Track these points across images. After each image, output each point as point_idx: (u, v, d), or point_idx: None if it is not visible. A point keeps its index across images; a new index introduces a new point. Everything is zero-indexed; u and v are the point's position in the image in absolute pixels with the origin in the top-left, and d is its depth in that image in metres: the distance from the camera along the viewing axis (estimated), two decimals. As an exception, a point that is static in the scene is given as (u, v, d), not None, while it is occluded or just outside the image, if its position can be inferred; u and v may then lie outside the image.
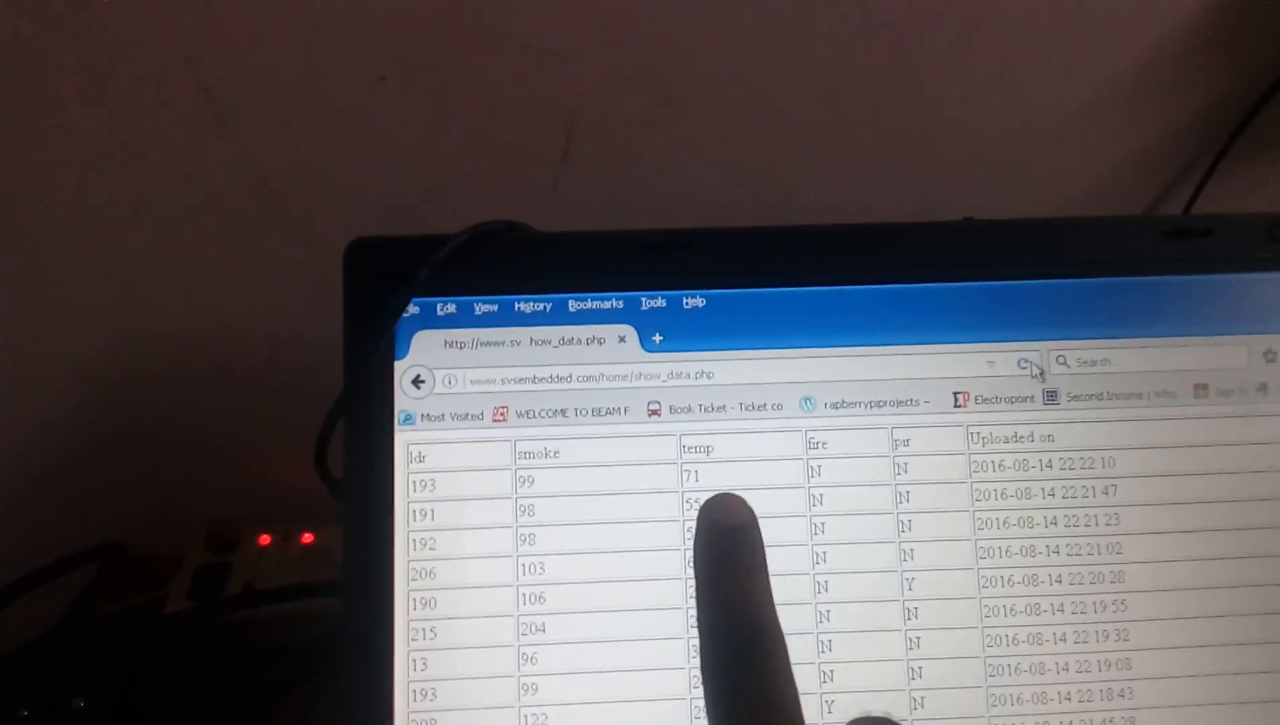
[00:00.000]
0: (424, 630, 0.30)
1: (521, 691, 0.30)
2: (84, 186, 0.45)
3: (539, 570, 0.31)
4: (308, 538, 0.49)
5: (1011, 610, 0.31)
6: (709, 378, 0.32)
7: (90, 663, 0.44)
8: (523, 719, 0.30)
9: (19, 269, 0.47)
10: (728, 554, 0.21)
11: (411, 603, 0.31)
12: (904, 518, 0.31)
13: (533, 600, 0.31)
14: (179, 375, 0.50)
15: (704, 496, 0.31)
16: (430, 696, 0.30)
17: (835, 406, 0.32)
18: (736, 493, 0.22)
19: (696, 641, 0.31)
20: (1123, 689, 0.31)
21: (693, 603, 0.31)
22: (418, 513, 0.31)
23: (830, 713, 0.31)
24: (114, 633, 0.46)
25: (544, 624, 0.31)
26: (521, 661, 0.31)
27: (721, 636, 0.20)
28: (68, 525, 0.52)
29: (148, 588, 0.49)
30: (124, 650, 0.44)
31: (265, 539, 0.49)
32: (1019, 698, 0.31)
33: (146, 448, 0.51)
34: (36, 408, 0.50)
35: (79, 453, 0.51)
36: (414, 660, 0.30)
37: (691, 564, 0.22)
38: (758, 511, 0.31)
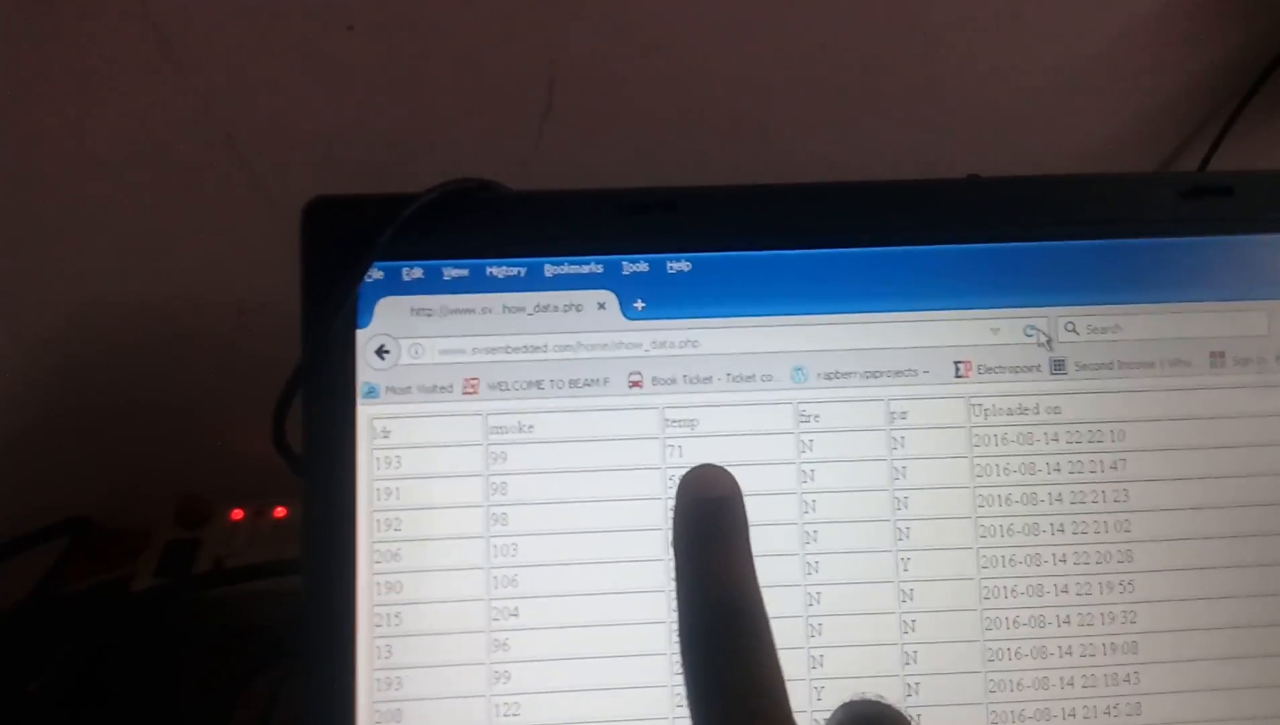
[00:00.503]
0: (388, 615, 0.29)
1: (492, 680, 0.29)
2: (36, 147, 0.43)
3: (511, 552, 0.29)
4: (280, 512, 0.47)
5: (1013, 592, 0.30)
6: (694, 347, 0.30)
7: (55, 641, 0.42)
8: (494, 708, 0.29)
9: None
10: (708, 527, 0.20)
11: (375, 587, 0.29)
12: (900, 495, 0.30)
13: (504, 583, 0.29)
14: (144, 344, 0.48)
15: (688, 473, 0.30)
16: (395, 685, 0.29)
17: (828, 377, 0.30)
18: (719, 464, 0.21)
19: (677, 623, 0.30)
20: (1129, 674, 0.30)
21: (675, 585, 0.29)
22: (381, 491, 0.29)
23: (820, 699, 0.29)
24: (80, 611, 0.44)
25: (516, 608, 0.29)
26: (492, 648, 0.29)
27: (700, 613, 0.19)
28: (33, 499, 0.50)
29: (117, 562, 0.47)
30: (90, 629, 0.43)
31: (237, 513, 0.47)
32: (1019, 683, 0.30)
33: (113, 419, 0.49)
34: (-2, 379, 0.48)
35: (43, 425, 0.49)
36: (378, 647, 0.29)
37: (671, 541, 0.20)
38: (745, 488, 0.29)
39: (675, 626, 0.30)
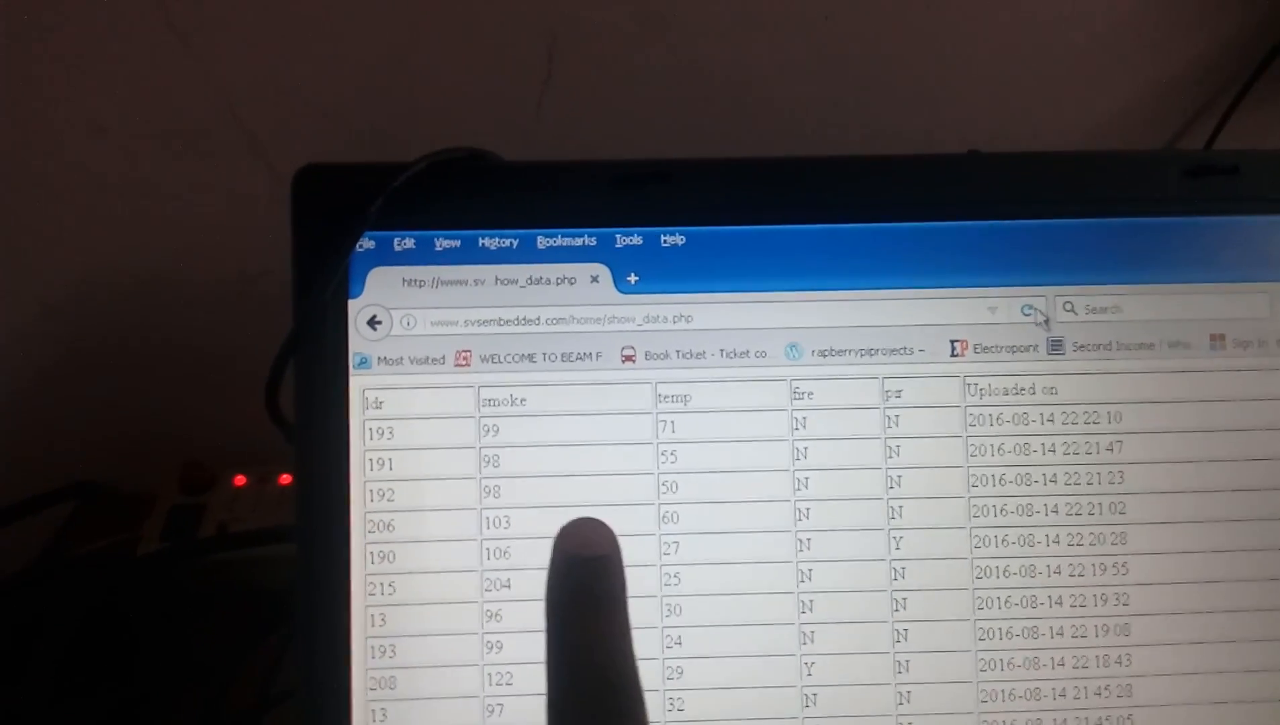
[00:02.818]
0: (382, 585, 0.29)
1: (485, 649, 0.29)
2: (37, 113, 0.43)
3: (504, 524, 0.29)
4: (285, 479, 0.48)
5: (1005, 572, 0.30)
6: (688, 322, 0.30)
7: (61, 604, 0.43)
8: (486, 677, 0.29)
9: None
10: (582, 591, 0.18)
11: (369, 556, 0.29)
12: (893, 473, 0.30)
13: (497, 555, 0.29)
14: (148, 310, 0.48)
15: (681, 449, 0.30)
16: (389, 654, 0.29)
17: (823, 354, 0.30)
18: (598, 518, 0.19)
19: (669, 600, 0.30)
20: (1120, 656, 0.30)
21: (666, 558, 0.30)
22: (374, 462, 0.29)
23: (810, 675, 0.29)
24: (85, 574, 0.45)
25: (509, 580, 0.29)
26: (485, 618, 0.29)
27: (573, 686, 0.18)
28: (39, 464, 0.50)
29: (123, 526, 0.48)
30: (95, 592, 0.43)
31: (240, 480, 0.48)
32: (1010, 663, 0.30)
33: (117, 385, 0.50)
34: (2, 347, 0.48)
35: (48, 390, 0.50)
36: (371, 616, 0.29)
37: (545, 601, 0.19)
38: (738, 465, 0.30)
39: (667, 601, 0.30)
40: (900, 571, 0.30)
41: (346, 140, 0.44)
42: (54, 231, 0.46)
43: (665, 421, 0.30)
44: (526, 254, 0.29)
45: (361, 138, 0.44)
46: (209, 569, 0.44)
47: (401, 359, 0.29)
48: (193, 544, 0.44)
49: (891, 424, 0.30)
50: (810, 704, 0.29)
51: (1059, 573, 0.30)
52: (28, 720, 0.39)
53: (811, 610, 0.29)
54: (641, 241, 0.30)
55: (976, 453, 0.30)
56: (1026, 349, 0.30)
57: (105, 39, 0.41)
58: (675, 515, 0.29)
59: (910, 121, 0.44)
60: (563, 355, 0.29)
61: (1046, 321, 0.30)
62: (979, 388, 0.30)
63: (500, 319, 0.29)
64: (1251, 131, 0.44)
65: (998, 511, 0.30)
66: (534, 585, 0.29)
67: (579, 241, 0.30)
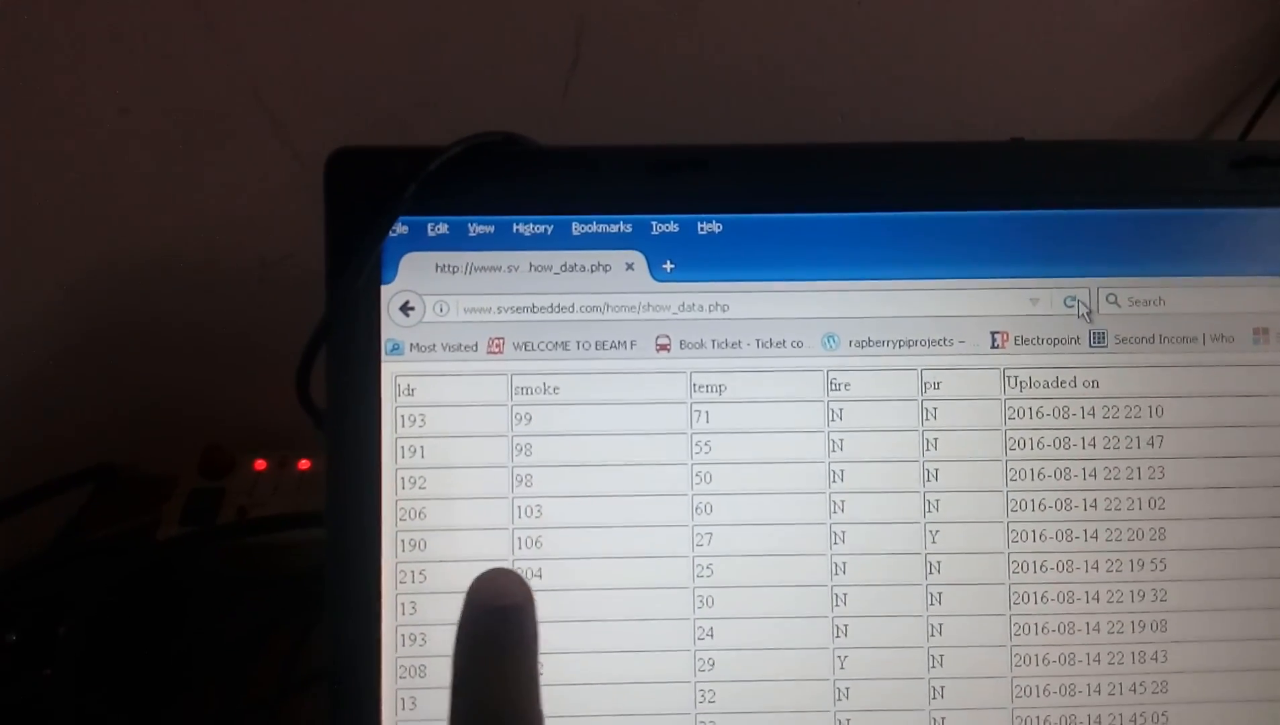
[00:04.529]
0: (413, 573, 0.29)
1: (516, 640, 0.29)
2: (60, 95, 0.42)
3: (536, 513, 0.29)
4: (304, 464, 0.47)
5: (1042, 567, 0.29)
6: (724, 311, 0.29)
7: (80, 588, 0.42)
8: (517, 668, 0.29)
9: (-4, 183, 0.45)
10: (493, 639, 0.18)
11: (400, 544, 0.29)
12: (930, 467, 0.29)
13: (529, 544, 0.29)
14: (169, 294, 0.48)
15: (716, 439, 0.29)
16: (420, 642, 0.29)
17: (860, 345, 0.29)
18: (513, 570, 0.19)
19: (700, 592, 0.29)
20: (1156, 652, 0.29)
21: (699, 550, 0.29)
22: (406, 449, 0.29)
23: (843, 668, 0.29)
24: (104, 557, 0.45)
25: (540, 569, 0.29)
26: (516, 609, 0.29)
27: None
28: (59, 447, 0.50)
29: (142, 510, 0.47)
30: (115, 575, 0.43)
31: (260, 464, 0.47)
32: (1045, 658, 0.29)
33: (137, 368, 0.49)
34: (24, 328, 0.48)
35: (68, 373, 0.49)
36: (402, 604, 0.29)
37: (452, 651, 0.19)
38: (773, 457, 0.29)
39: (698, 591, 0.30)
40: (936, 565, 0.29)
41: (370, 125, 0.43)
42: (75, 213, 0.46)
43: (700, 411, 0.29)
44: (561, 240, 0.29)
45: (385, 122, 0.43)
46: (228, 553, 0.44)
47: (434, 346, 0.29)
48: (212, 530, 0.44)
49: (929, 416, 0.29)
50: (842, 697, 0.29)
51: (1096, 568, 0.29)
52: (50, 704, 0.39)
53: (845, 604, 0.29)
54: (678, 229, 0.29)
55: (1015, 446, 0.29)
56: (1069, 341, 0.29)
57: (131, 21, 0.41)
58: (709, 506, 0.29)
59: (940, 110, 0.44)
60: (597, 343, 0.29)
61: (1089, 314, 0.29)
62: (1019, 380, 0.29)
63: (534, 306, 0.29)
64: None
65: (1036, 506, 0.29)
66: (566, 575, 0.29)
67: (614, 228, 0.29)
